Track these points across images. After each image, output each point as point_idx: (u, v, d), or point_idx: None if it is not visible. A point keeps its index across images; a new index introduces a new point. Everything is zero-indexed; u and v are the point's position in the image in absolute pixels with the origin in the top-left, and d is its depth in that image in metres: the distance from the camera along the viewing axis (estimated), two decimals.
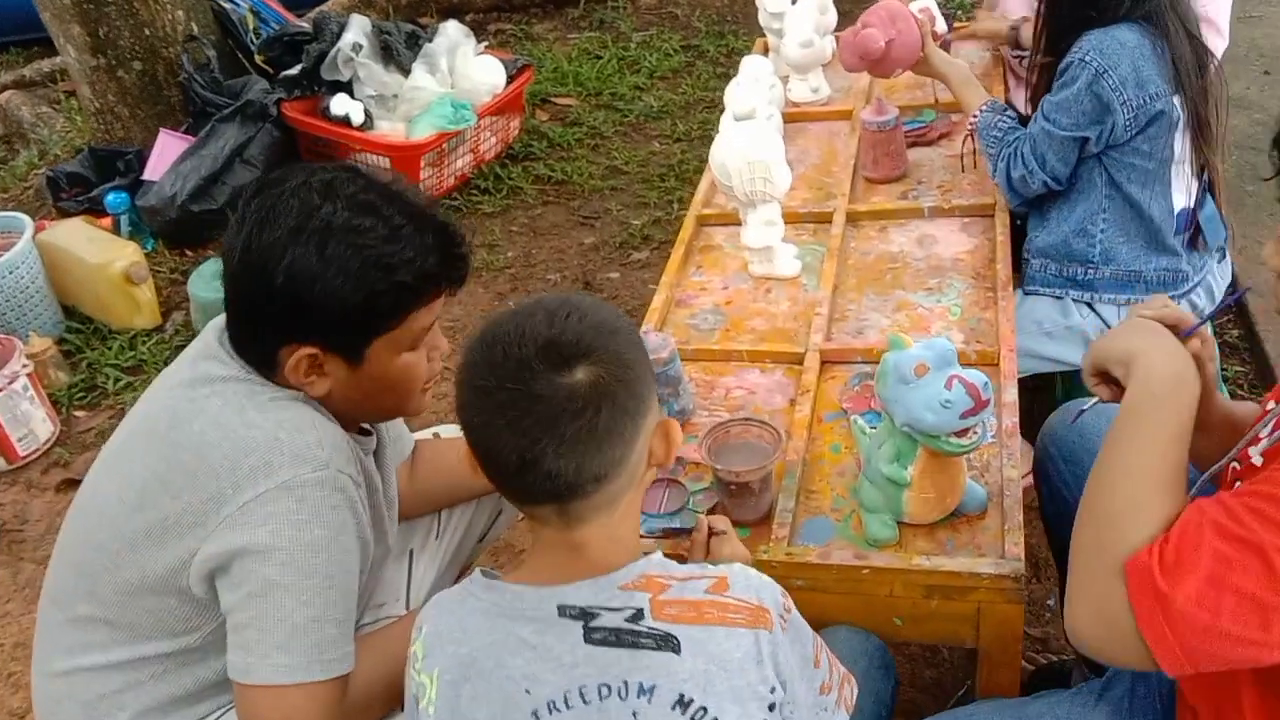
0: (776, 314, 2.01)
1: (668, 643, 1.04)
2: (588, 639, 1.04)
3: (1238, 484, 1.26)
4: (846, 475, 1.63)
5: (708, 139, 3.93)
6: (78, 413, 2.99)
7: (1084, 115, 1.91)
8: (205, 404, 1.30)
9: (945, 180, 2.33)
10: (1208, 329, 1.30)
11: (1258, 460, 1.22)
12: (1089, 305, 2.07)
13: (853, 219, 2.23)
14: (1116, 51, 1.86)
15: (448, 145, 3.62)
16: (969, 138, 2.21)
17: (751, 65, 2.50)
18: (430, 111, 3.58)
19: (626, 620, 1.05)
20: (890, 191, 2.32)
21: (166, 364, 3.13)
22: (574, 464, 1.03)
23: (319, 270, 1.23)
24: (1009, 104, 2.31)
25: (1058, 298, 2.10)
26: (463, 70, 3.73)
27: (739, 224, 2.27)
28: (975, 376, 1.36)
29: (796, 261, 2.10)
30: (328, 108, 3.55)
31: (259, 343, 1.31)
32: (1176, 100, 1.91)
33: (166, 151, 3.53)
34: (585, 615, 1.06)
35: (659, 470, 1.19)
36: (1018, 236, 2.16)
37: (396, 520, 1.52)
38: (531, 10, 5.31)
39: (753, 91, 2.33)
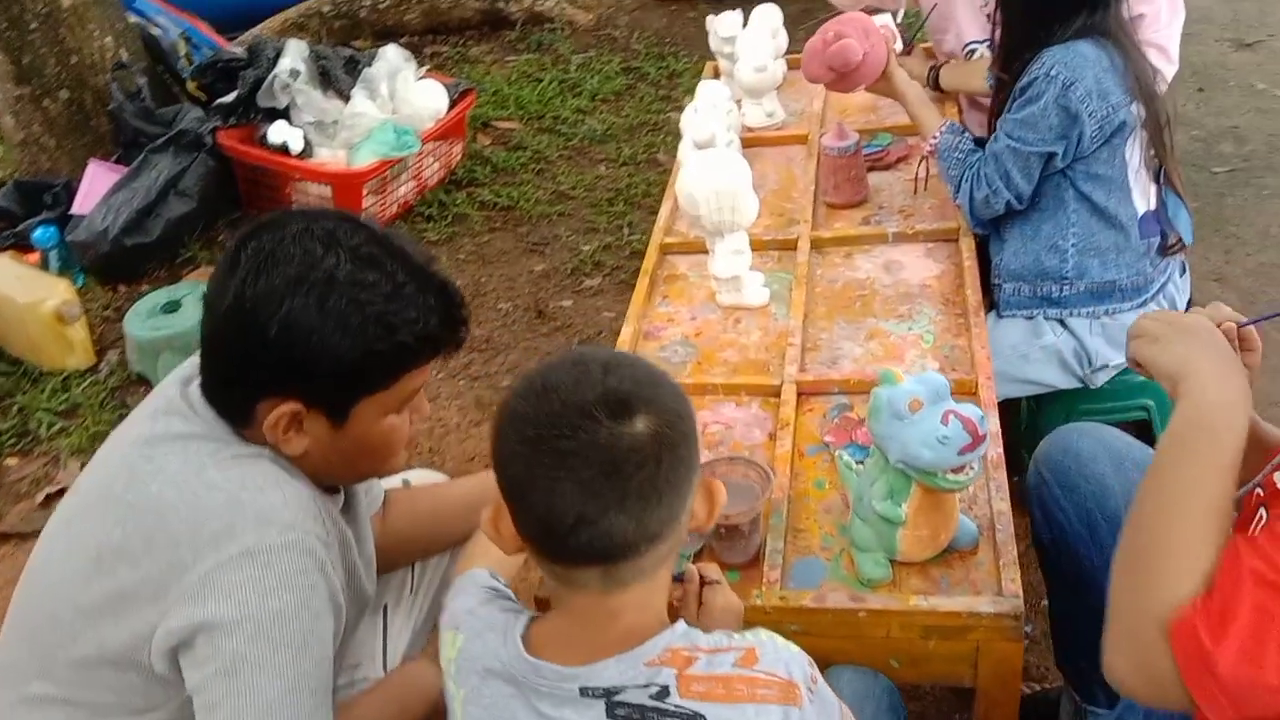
0: (748, 345, 1.98)
1: None
2: (610, 715, 1.00)
3: (1261, 511, 1.25)
4: (833, 512, 1.59)
5: (654, 163, 3.92)
6: (9, 460, 2.85)
7: (1051, 130, 1.91)
8: (164, 463, 1.23)
9: (906, 205, 2.31)
10: (1256, 338, 1.26)
11: None
12: (1060, 322, 2.07)
13: (817, 245, 2.21)
14: (1081, 64, 1.87)
15: (390, 172, 3.54)
16: (924, 160, 2.20)
17: (708, 91, 2.48)
18: (372, 138, 3.50)
19: (652, 698, 1.01)
20: (852, 217, 2.30)
21: (102, 406, 3.04)
22: (634, 520, 1.00)
23: (318, 323, 1.17)
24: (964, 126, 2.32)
25: (1029, 318, 2.09)
26: (404, 95, 3.66)
27: (703, 252, 2.23)
28: (971, 411, 1.33)
29: (765, 290, 2.07)
30: (265, 135, 3.45)
31: (238, 393, 1.24)
32: (1133, 108, 1.93)
33: (96, 183, 3.40)
34: (609, 693, 1.02)
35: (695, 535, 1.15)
36: (982, 261, 2.16)
37: (374, 578, 1.45)
38: (467, 33, 5.24)
39: (711, 118, 2.31)
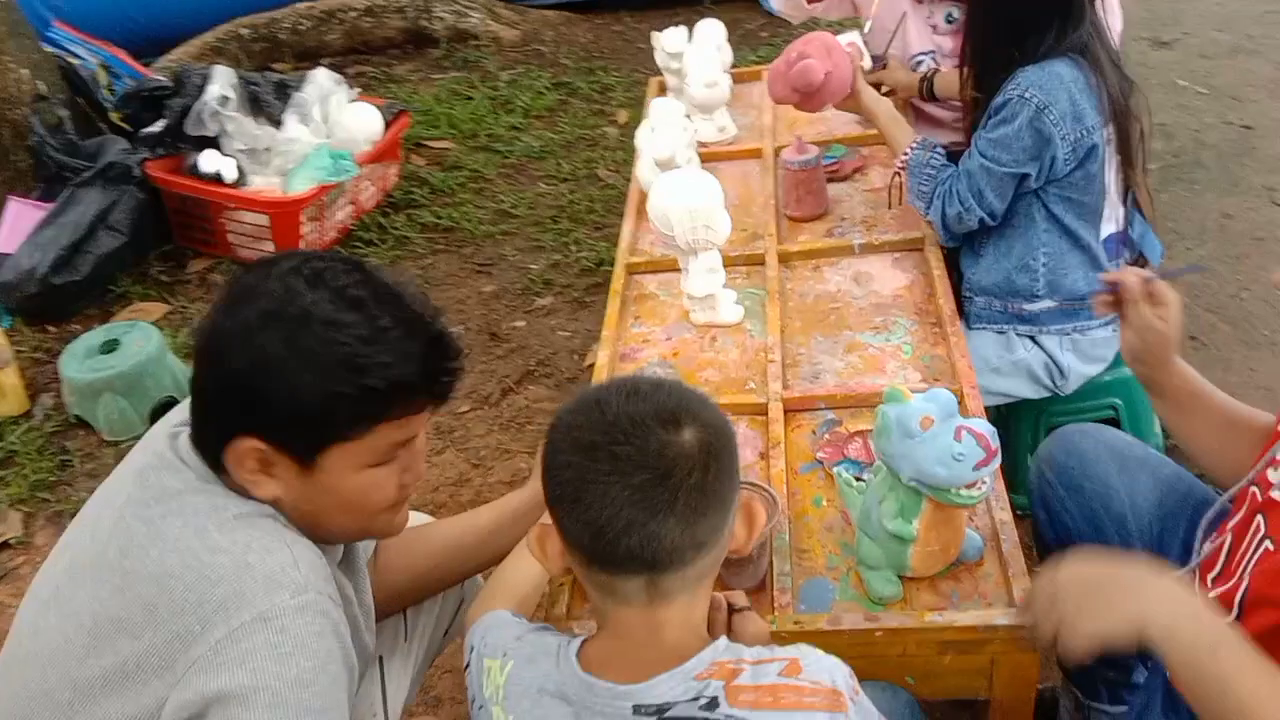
0: (727, 363, 1.97)
1: None
2: None
3: (1259, 518, 1.27)
4: (835, 530, 1.59)
5: (595, 178, 3.90)
6: None
7: (1024, 151, 1.91)
8: (162, 526, 1.16)
9: (868, 215, 2.33)
10: (1168, 293, 1.42)
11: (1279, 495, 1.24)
12: (1032, 339, 2.09)
13: (784, 260, 2.21)
14: (1055, 87, 1.87)
15: (328, 198, 3.46)
16: (896, 175, 2.20)
17: (663, 109, 2.46)
18: (308, 164, 3.42)
19: (702, 709, 1.04)
20: (815, 229, 2.31)
21: (40, 453, 2.91)
22: (682, 526, 1.03)
23: (282, 359, 1.12)
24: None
25: (1000, 333, 2.11)
26: (337, 119, 3.59)
27: (671, 270, 2.23)
28: (983, 426, 1.34)
29: (739, 307, 2.06)
30: (196, 165, 3.35)
31: (212, 432, 1.18)
32: (1107, 131, 1.94)
33: (19, 221, 3.27)
34: (660, 710, 1.04)
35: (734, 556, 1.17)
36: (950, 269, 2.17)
37: (374, 629, 1.40)
38: (390, 52, 5.16)
39: (671, 136, 2.30)
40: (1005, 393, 2.11)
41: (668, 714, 1.04)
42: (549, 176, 3.93)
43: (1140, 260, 2.14)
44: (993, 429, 1.34)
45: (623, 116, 4.30)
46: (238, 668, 1.08)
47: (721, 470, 1.07)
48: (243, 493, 1.20)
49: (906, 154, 2.13)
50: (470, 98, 4.54)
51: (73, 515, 2.59)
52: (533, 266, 3.41)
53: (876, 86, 2.38)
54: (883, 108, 2.24)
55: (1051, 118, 1.87)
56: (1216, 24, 4.37)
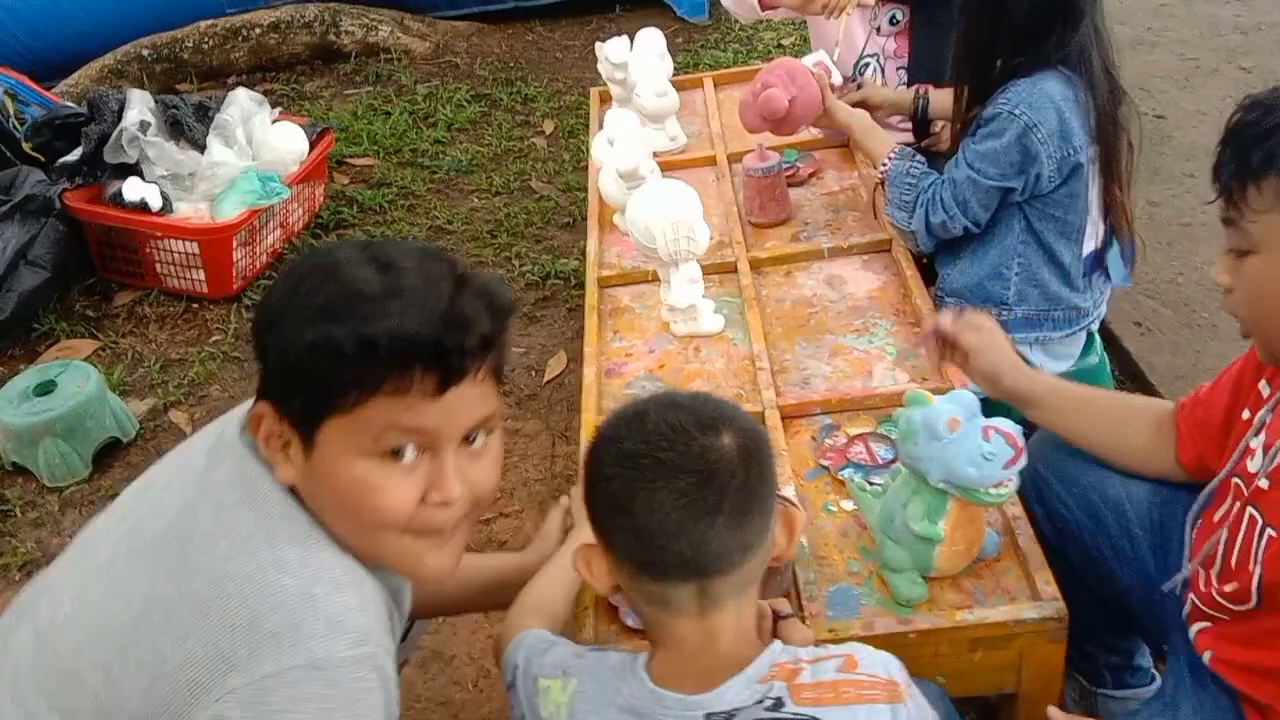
0: (715, 373, 1.97)
1: None
2: None
3: (1250, 509, 1.31)
4: (850, 535, 1.60)
5: (528, 190, 3.87)
6: None
7: (1011, 166, 1.92)
8: (234, 518, 1.08)
9: (830, 219, 2.36)
10: (979, 316, 1.67)
11: (1264, 483, 1.29)
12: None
13: (755, 266, 2.22)
14: (1045, 105, 1.88)
15: (258, 221, 3.36)
16: (878, 187, 2.20)
17: (619, 120, 2.46)
18: (235, 188, 3.31)
19: (768, 710, 1.06)
20: (781, 235, 2.33)
21: None
22: (729, 528, 1.06)
23: (284, 305, 1.06)
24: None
25: None
26: (262, 140, 3.48)
27: (643, 283, 2.23)
28: (1009, 425, 1.36)
29: (719, 317, 2.06)
30: (119, 194, 3.21)
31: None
32: (1093, 150, 1.95)
33: None
34: (729, 716, 1.06)
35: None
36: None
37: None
38: (298, 68, 5.04)
39: (633, 148, 2.29)
40: (976, 391, 2.14)
41: (738, 718, 1.06)
42: (481, 190, 3.88)
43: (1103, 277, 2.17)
44: (1018, 427, 1.36)
45: (549, 127, 4.27)
46: (277, 714, 1.01)
47: (763, 472, 1.11)
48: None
49: (885, 165, 2.14)
50: (389, 113, 4.45)
51: (21, 567, 2.48)
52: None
53: (863, 106, 2.36)
54: (857, 121, 2.25)
55: (1039, 136, 1.89)
56: (1117, 18, 4.51)
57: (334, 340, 1.01)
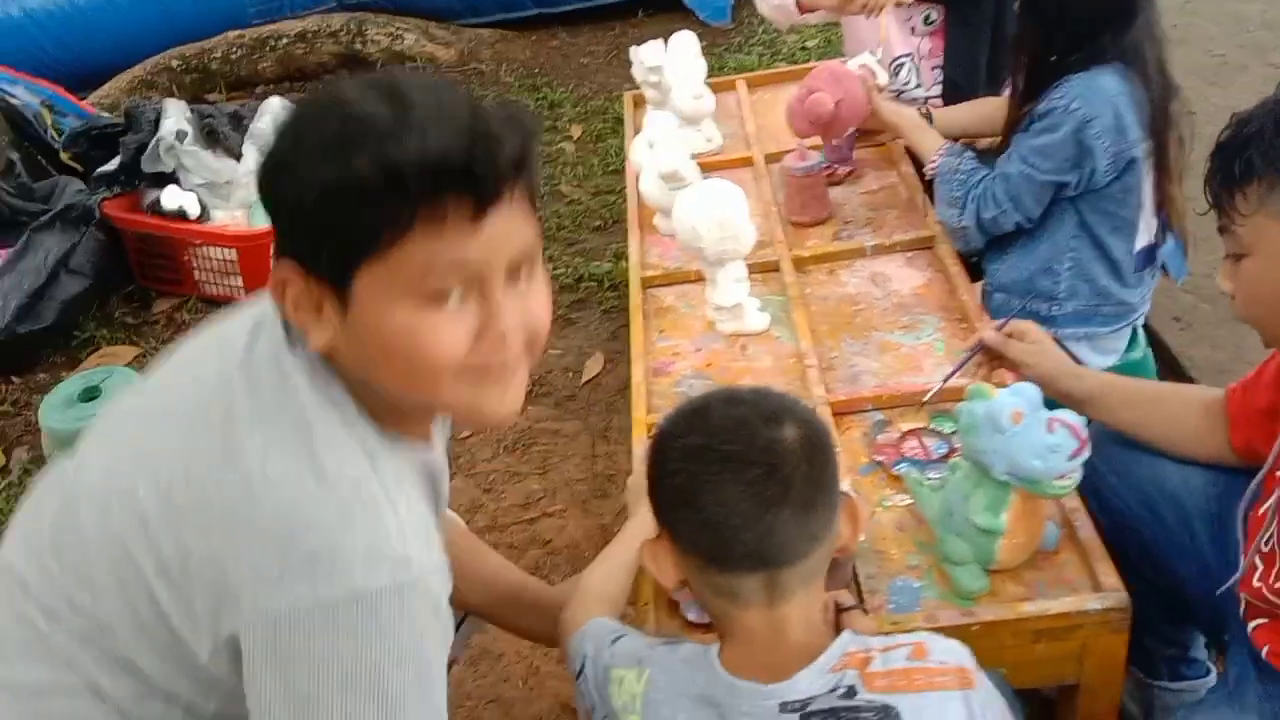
0: (763, 370, 1.98)
1: (888, 713, 1.06)
2: None
3: None
4: (908, 529, 1.61)
5: (559, 194, 3.89)
6: None
7: (1066, 161, 1.93)
8: (271, 405, 1.00)
9: (871, 217, 2.36)
10: (1023, 325, 1.68)
11: None
12: (1055, 340, 2.10)
13: (798, 265, 2.23)
14: (1100, 100, 1.88)
15: None
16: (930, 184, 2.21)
17: (659, 123, 2.48)
18: None
19: (841, 698, 1.07)
20: (822, 234, 2.34)
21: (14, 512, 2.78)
22: (796, 518, 1.08)
23: (291, 149, 0.95)
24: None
25: None
26: None
27: (686, 282, 2.25)
28: (1072, 417, 1.37)
29: (764, 315, 2.07)
30: (157, 202, 3.25)
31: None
32: (1147, 145, 1.96)
33: None
34: (803, 705, 1.07)
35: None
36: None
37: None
38: (325, 78, 5.08)
39: (674, 150, 2.30)
40: None
41: (811, 708, 1.07)
42: None
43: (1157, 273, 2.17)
44: (1082, 419, 1.37)
45: (576, 132, 4.30)
46: (310, 638, 0.95)
47: (826, 464, 1.12)
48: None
49: (934, 162, 2.14)
50: None
51: None
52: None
53: (870, 124, 2.36)
54: (904, 120, 2.26)
55: (1094, 131, 1.89)
56: None
57: (355, 175, 0.91)
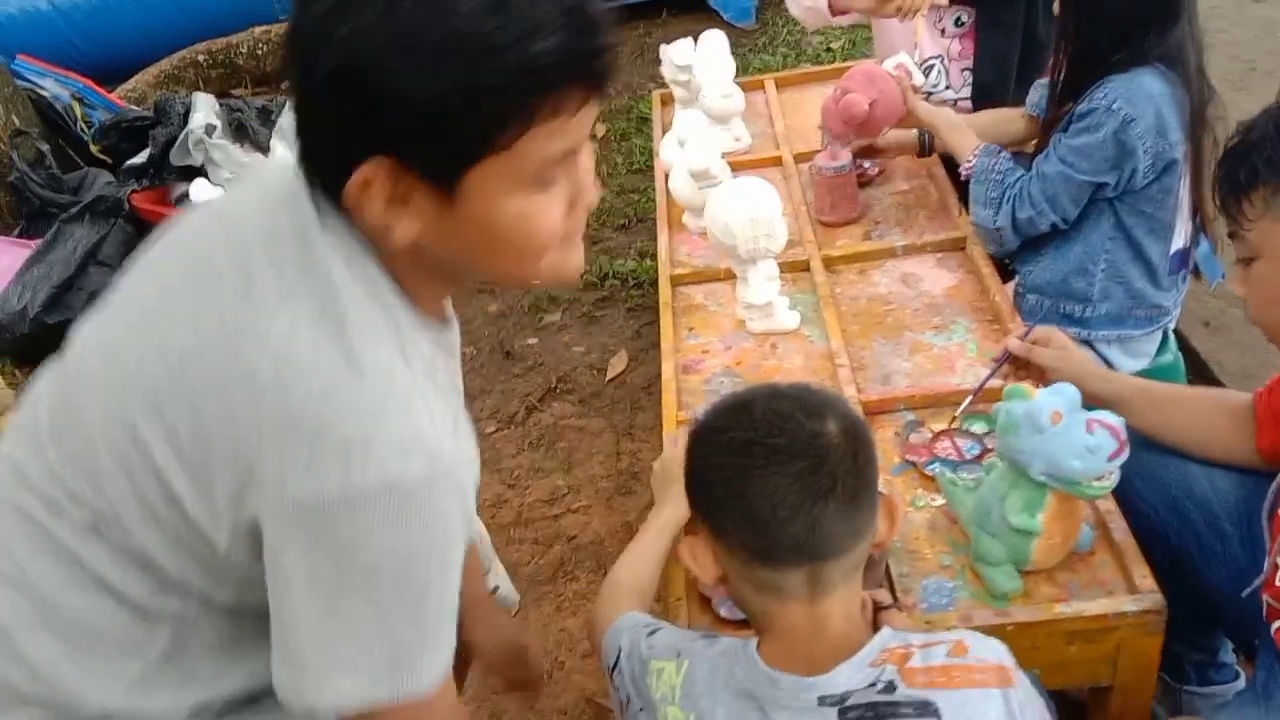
0: (794, 370, 1.98)
1: (927, 709, 1.06)
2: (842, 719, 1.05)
3: None
4: (940, 529, 1.60)
5: None
6: None
7: (1105, 161, 1.92)
8: (306, 287, 0.95)
9: (901, 217, 2.36)
10: (1047, 331, 1.68)
11: None
12: (1087, 343, 2.10)
13: (828, 264, 2.22)
14: (1143, 100, 1.87)
15: None
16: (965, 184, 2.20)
17: (690, 121, 2.48)
18: None
19: (880, 693, 1.07)
20: (852, 234, 2.34)
21: None
22: (841, 511, 1.08)
23: (378, 49, 0.86)
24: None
25: None
26: None
27: (715, 280, 2.24)
28: (1112, 418, 1.37)
29: (795, 313, 2.07)
30: (186, 195, 3.27)
31: (327, 165, 0.94)
32: (1186, 147, 1.95)
33: (2, 261, 3.16)
34: (841, 699, 1.07)
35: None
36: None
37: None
38: None
39: (706, 148, 2.31)
40: None
41: (849, 702, 1.07)
42: None
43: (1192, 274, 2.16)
44: (1121, 421, 1.37)
45: (600, 131, 4.30)
46: (338, 527, 0.92)
47: (869, 458, 1.12)
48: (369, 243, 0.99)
49: (970, 162, 2.14)
50: None
51: None
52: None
53: (870, 149, 2.37)
54: (940, 119, 2.25)
55: (1136, 131, 1.88)
56: None
57: (493, 75, 0.86)
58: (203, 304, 0.98)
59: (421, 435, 0.94)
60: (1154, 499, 1.64)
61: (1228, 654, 1.76)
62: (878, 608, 1.34)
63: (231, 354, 0.94)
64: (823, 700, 1.08)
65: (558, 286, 1.05)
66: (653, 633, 1.27)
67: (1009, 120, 2.36)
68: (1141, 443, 1.65)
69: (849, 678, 1.09)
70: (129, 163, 3.34)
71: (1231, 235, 1.38)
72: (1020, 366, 1.70)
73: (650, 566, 1.48)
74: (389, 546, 0.93)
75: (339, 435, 0.91)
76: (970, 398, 1.72)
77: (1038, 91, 2.27)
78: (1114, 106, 1.89)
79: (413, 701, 0.99)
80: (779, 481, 1.07)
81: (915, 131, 2.41)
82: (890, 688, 1.08)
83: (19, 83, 3.55)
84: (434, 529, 0.95)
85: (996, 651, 1.14)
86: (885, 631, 1.14)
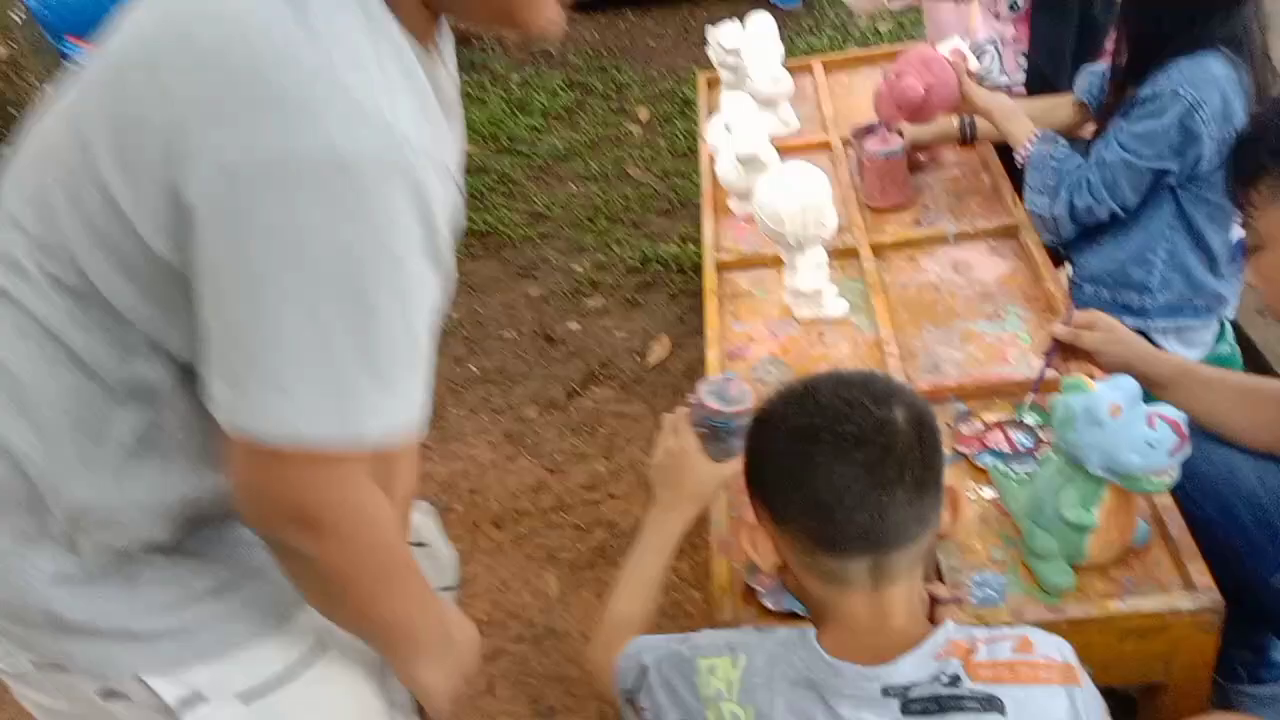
0: (841, 358, 1.95)
1: (992, 704, 1.04)
2: (905, 711, 1.04)
3: None
4: (991, 522, 1.58)
5: (624, 177, 3.87)
6: None
7: (1170, 148, 1.88)
8: None
9: (952, 203, 2.32)
10: (1090, 315, 1.66)
11: None
12: (1144, 333, 2.04)
13: (877, 251, 2.19)
14: (1208, 85, 1.83)
15: None
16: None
17: (737, 105, 2.45)
18: None
19: (945, 686, 1.06)
20: (901, 220, 2.30)
21: None
22: (908, 500, 1.06)
23: None
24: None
25: None
26: None
27: (762, 267, 2.22)
28: (1173, 412, 1.33)
29: (843, 301, 2.05)
30: None
31: None
32: None
33: None
34: (904, 691, 1.06)
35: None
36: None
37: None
38: None
39: (754, 132, 2.28)
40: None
41: (913, 694, 1.06)
42: (578, 177, 3.90)
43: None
44: (1184, 415, 1.33)
45: (644, 114, 4.28)
46: (273, 196, 0.82)
47: (936, 446, 1.11)
48: None
49: (1026, 148, 2.09)
50: (484, 100, 4.49)
51: None
52: (577, 268, 3.38)
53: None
54: (995, 105, 2.20)
55: (1202, 116, 1.83)
56: None
57: None
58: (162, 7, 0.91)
59: (375, 112, 0.84)
60: (1199, 495, 1.59)
61: (1277, 651, 1.72)
62: (934, 601, 1.32)
63: (169, 20, 0.89)
64: (886, 691, 1.07)
65: (536, 35, 0.96)
66: (685, 639, 1.23)
67: (1058, 107, 2.31)
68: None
69: (913, 669, 1.07)
70: None
71: (1244, 225, 1.38)
72: (1068, 352, 1.67)
73: (646, 592, 1.41)
74: (324, 232, 0.83)
75: (278, 94, 0.82)
76: (1031, 393, 1.69)
77: (1086, 77, 2.22)
78: (1179, 91, 1.84)
79: (356, 456, 0.89)
80: (845, 469, 1.06)
81: (956, 119, 2.36)
82: (955, 681, 1.06)
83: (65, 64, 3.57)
84: (378, 221, 0.84)
85: (1061, 649, 1.13)
86: (949, 624, 1.12)
